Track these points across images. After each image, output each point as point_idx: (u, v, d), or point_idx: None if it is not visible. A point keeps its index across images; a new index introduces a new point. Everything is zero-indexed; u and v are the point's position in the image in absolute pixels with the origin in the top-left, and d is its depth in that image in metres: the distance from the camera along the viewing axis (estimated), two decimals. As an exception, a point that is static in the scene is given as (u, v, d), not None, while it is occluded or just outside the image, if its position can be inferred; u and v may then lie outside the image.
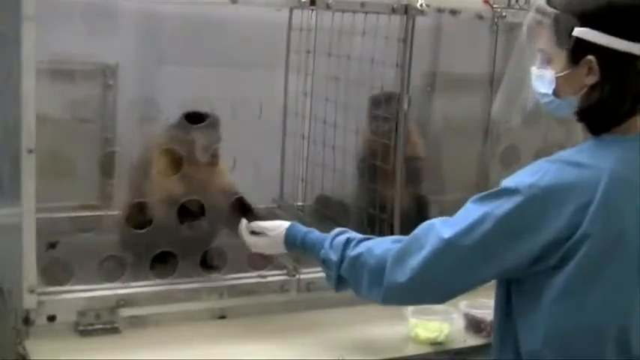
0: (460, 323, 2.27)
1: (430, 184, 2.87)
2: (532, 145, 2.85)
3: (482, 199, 1.68)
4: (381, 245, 1.87)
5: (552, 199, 1.59)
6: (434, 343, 2.19)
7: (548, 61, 1.68)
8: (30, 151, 1.97)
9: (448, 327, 2.21)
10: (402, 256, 1.78)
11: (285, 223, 2.16)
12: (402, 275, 1.76)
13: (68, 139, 2.54)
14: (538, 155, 2.74)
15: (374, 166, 2.56)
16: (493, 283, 1.78)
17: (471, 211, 1.69)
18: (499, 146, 2.91)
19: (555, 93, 1.69)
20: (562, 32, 1.64)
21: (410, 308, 2.22)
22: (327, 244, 2.01)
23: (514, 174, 1.68)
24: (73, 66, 2.65)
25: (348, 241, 1.96)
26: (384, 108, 2.51)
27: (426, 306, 2.21)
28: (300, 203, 2.91)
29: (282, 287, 2.34)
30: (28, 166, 1.98)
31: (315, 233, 2.10)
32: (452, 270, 1.71)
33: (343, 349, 2.13)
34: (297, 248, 2.13)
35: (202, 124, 2.35)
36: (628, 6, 1.61)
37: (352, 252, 1.92)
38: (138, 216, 2.33)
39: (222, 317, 2.29)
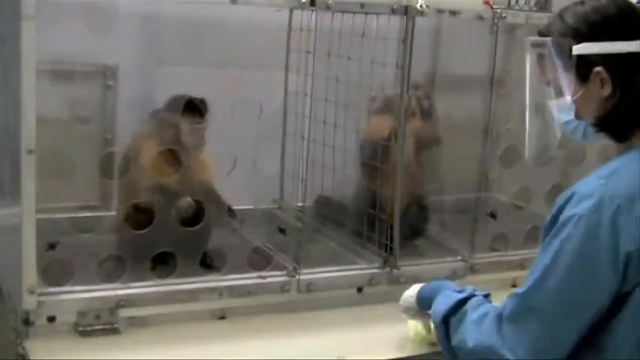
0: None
1: (430, 184, 2.88)
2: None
3: (548, 244, 1.61)
4: (485, 306, 1.78)
5: (620, 213, 1.54)
6: (433, 343, 2.19)
7: (559, 90, 1.69)
8: (30, 152, 1.97)
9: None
10: (496, 323, 1.68)
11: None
12: (494, 340, 1.66)
13: (68, 140, 2.53)
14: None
15: (374, 166, 2.56)
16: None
17: (542, 258, 1.61)
18: (499, 146, 2.91)
19: (577, 117, 1.69)
20: (563, 56, 1.65)
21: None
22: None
23: (570, 203, 1.59)
24: (73, 66, 2.66)
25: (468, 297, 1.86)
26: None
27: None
28: (300, 204, 2.91)
29: (282, 287, 2.34)
30: (28, 166, 1.98)
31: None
32: (538, 332, 1.60)
33: (343, 349, 2.13)
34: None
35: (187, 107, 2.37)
36: (616, 10, 1.63)
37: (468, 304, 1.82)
38: (136, 215, 2.33)
39: (222, 317, 2.29)
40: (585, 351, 1.62)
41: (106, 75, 2.73)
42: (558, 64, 1.67)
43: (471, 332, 1.73)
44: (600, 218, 1.55)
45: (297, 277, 2.35)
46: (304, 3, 2.27)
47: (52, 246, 2.34)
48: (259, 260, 2.35)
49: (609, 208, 1.55)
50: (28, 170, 1.99)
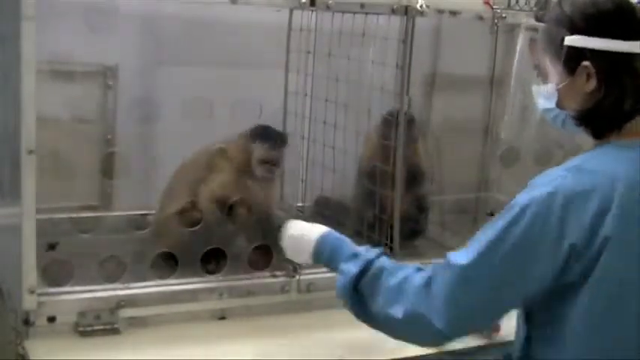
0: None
1: (430, 185, 2.87)
2: (532, 145, 2.85)
3: (494, 222, 1.63)
4: (404, 270, 1.78)
5: (571, 206, 1.56)
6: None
7: (546, 76, 1.70)
8: (30, 152, 1.97)
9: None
10: (423, 291, 1.69)
11: (319, 230, 2.02)
12: (423, 308, 1.68)
13: (68, 140, 2.54)
14: (538, 155, 2.77)
15: (374, 167, 2.56)
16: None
17: (486, 235, 1.63)
18: (499, 146, 2.91)
19: (559, 106, 1.70)
20: (554, 44, 1.66)
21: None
22: (350, 254, 1.89)
23: (527, 188, 1.63)
24: (73, 66, 2.65)
25: (376, 256, 1.85)
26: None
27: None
28: (300, 204, 2.91)
29: (282, 288, 2.34)
30: (28, 166, 1.98)
31: (344, 245, 1.97)
32: (473, 305, 1.64)
33: (343, 349, 2.14)
34: (324, 263, 2.00)
35: (264, 139, 2.38)
36: (612, 7, 1.63)
37: (375, 268, 1.82)
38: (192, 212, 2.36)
39: (222, 318, 2.29)
40: (542, 342, 1.66)
41: (106, 75, 2.73)
42: (548, 51, 1.68)
43: (397, 300, 1.73)
44: (552, 208, 1.57)
45: (297, 277, 2.35)
46: (304, 3, 2.27)
47: (52, 246, 2.34)
48: (259, 260, 2.35)
49: (562, 200, 1.56)
50: (28, 170, 1.99)
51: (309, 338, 2.21)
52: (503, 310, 1.68)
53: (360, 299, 1.83)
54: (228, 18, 2.57)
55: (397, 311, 1.72)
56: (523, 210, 1.58)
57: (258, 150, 2.38)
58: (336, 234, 2.00)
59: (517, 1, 2.63)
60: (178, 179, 2.47)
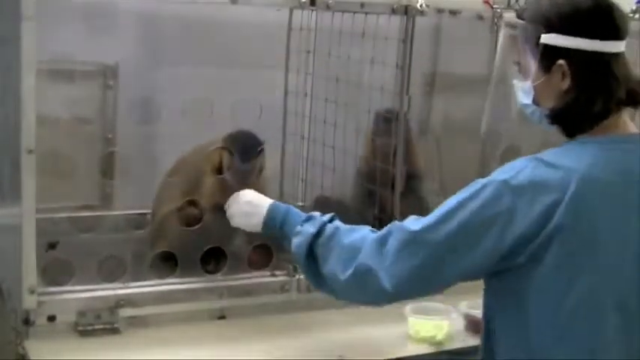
0: (460, 324, 2.27)
1: (430, 185, 2.87)
2: (532, 145, 2.84)
3: (455, 196, 1.69)
4: (360, 231, 1.86)
5: (524, 196, 1.60)
6: (433, 342, 2.19)
7: (525, 73, 1.71)
8: (30, 151, 1.97)
9: (447, 326, 2.22)
10: (376, 247, 1.75)
11: (267, 202, 2.06)
12: (373, 263, 1.74)
13: (68, 139, 2.54)
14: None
15: (374, 167, 2.56)
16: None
17: (443, 206, 1.69)
18: (499, 146, 2.91)
19: (535, 102, 1.71)
20: (531, 41, 1.67)
21: (409, 306, 2.22)
22: (305, 217, 1.96)
23: (495, 171, 1.69)
24: (73, 66, 2.65)
25: (329, 220, 1.92)
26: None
27: (426, 305, 2.21)
28: (300, 203, 2.91)
29: (282, 287, 2.34)
30: (28, 166, 1.98)
31: (295, 211, 2.02)
32: (417, 266, 1.69)
33: (343, 349, 2.13)
34: (276, 227, 2.02)
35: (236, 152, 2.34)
36: (589, 7, 1.64)
37: (330, 228, 1.88)
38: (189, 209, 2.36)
39: (222, 317, 2.29)
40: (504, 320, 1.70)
41: (106, 75, 2.73)
42: (526, 48, 1.69)
43: (350, 257, 1.78)
44: (503, 195, 1.61)
45: (297, 277, 2.35)
46: (304, 3, 2.27)
47: (52, 246, 2.34)
48: (259, 260, 2.35)
49: (515, 189, 1.61)
50: (28, 170, 1.99)
51: (309, 338, 2.21)
52: (443, 280, 1.72)
53: (314, 260, 1.88)
54: (228, 18, 2.57)
55: (348, 268, 1.78)
56: (482, 188, 1.64)
57: (228, 160, 2.35)
58: (285, 204, 2.07)
59: (517, 1, 2.63)
60: (175, 176, 2.47)
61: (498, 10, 2.52)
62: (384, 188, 2.51)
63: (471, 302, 2.26)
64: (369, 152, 2.68)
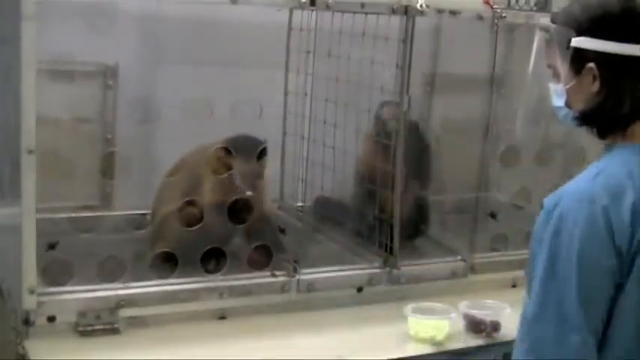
0: (460, 324, 2.27)
1: (430, 184, 2.87)
2: (532, 145, 2.85)
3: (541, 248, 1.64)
4: None
5: (610, 208, 1.56)
6: (433, 342, 2.19)
7: (558, 76, 1.73)
8: (30, 152, 1.97)
9: (447, 326, 2.22)
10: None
11: None
12: None
13: (68, 139, 2.54)
14: (538, 155, 2.77)
15: (374, 167, 2.56)
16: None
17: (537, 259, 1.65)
18: (499, 146, 2.91)
19: (568, 105, 1.72)
20: (563, 45, 1.68)
21: (409, 307, 2.22)
22: None
23: (558, 205, 1.61)
24: (73, 66, 2.65)
25: None
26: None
27: (426, 305, 2.22)
28: (300, 204, 2.91)
29: (282, 287, 2.34)
30: (28, 166, 1.98)
31: None
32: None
33: (343, 349, 2.13)
34: None
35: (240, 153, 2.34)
36: (620, 10, 1.65)
37: None
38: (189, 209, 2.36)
39: (223, 317, 2.29)
40: None
41: (106, 75, 2.73)
42: (558, 51, 1.70)
43: None
44: (594, 216, 1.56)
45: (297, 277, 2.35)
46: (304, 3, 2.27)
47: (52, 246, 2.34)
48: (259, 260, 2.35)
49: (600, 205, 1.56)
50: (28, 170, 1.99)
51: (309, 338, 2.21)
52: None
53: None
54: (228, 18, 2.57)
55: None
56: (568, 223, 1.58)
57: (239, 164, 2.35)
58: None
59: (517, 1, 2.63)
60: (175, 177, 2.47)
61: (498, 11, 2.52)
62: (384, 187, 2.51)
63: (471, 302, 2.26)
64: (365, 150, 2.67)
